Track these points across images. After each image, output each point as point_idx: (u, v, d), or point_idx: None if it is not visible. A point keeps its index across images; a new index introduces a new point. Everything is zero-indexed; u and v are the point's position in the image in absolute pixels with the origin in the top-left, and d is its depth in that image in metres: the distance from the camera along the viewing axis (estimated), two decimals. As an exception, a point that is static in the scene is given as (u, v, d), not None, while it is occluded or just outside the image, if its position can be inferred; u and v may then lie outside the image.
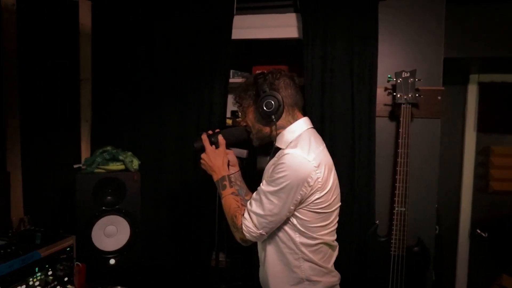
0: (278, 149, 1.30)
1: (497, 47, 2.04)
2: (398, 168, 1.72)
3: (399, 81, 1.73)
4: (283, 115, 1.30)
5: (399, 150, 1.72)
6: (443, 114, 1.86)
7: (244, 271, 2.17)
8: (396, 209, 1.72)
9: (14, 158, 1.83)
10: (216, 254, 1.88)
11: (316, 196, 1.21)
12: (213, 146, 1.41)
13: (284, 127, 1.31)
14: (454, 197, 2.55)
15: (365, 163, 1.82)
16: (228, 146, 1.45)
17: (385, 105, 1.87)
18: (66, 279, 1.57)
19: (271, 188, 1.20)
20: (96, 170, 1.74)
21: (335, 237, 1.35)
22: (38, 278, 1.44)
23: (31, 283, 1.41)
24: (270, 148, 1.35)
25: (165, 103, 2.05)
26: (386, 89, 1.85)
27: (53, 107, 2.00)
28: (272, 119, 1.27)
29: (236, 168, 1.54)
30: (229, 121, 2.37)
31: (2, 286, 1.28)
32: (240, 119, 1.94)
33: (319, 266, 1.28)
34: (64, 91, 2.04)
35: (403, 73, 1.73)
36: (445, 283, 2.42)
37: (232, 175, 1.48)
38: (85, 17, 2.06)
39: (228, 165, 1.46)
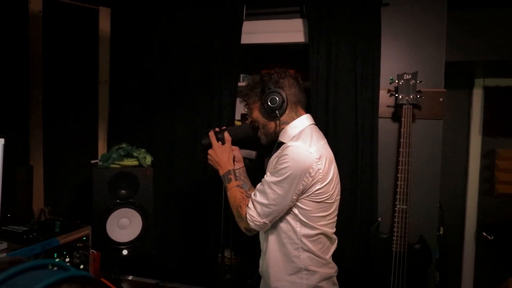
0: (281, 144, 1.38)
1: (501, 51, 2.08)
2: (399, 167, 1.77)
3: (401, 82, 1.80)
4: (287, 112, 1.38)
5: (401, 149, 1.77)
6: (445, 115, 1.90)
7: (250, 268, 2.23)
8: (398, 206, 1.77)
9: (37, 154, 1.97)
10: (222, 251, 1.95)
11: (317, 187, 1.27)
12: (220, 142, 1.50)
13: (287, 123, 1.39)
14: (460, 200, 2.56)
15: (368, 162, 1.88)
16: (234, 142, 1.53)
17: (388, 106, 1.93)
18: (82, 266, 1.67)
19: (274, 179, 1.27)
20: (112, 165, 1.85)
21: (334, 229, 1.41)
22: (57, 263, 1.54)
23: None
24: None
25: (177, 104, 2.16)
26: (388, 91, 1.91)
27: (73, 107, 2.13)
28: (276, 114, 1.35)
29: (241, 164, 1.62)
30: (238, 123, 2.46)
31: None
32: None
33: (317, 256, 1.34)
34: (83, 92, 2.17)
35: (405, 75, 1.80)
36: (450, 285, 2.43)
37: (237, 170, 1.55)
38: (104, 23, 2.20)
39: (234, 161, 1.54)
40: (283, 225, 1.34)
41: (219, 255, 2.01)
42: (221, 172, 1.48)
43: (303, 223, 1.31)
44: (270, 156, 1.43)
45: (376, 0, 1.88)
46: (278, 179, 1.26)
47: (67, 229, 1.64)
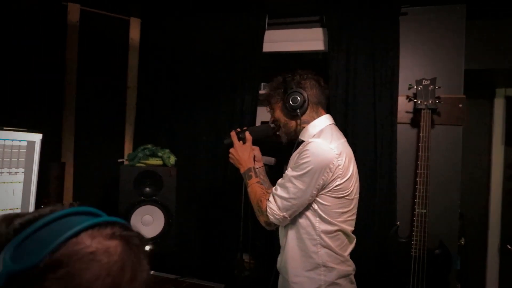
0: (302, 142, 1.43)
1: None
2: (418, 171, 1.78)
3: (419, 88, 1.83)
4: (308, 111, 1.43)
5: (420, 153, 1.79)
6: (466, 121, 1.91)
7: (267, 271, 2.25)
8: (417, 210, 1.77)
9: (68, 152, 2.08)
10: (241, 251, 1.99)
11: (337, 182, 1.31)
12: (241, 141, 1.56)
13: (308, 122, 1.44)
14: (482, 211, 2.52)
15: (386, 166, 1.89)
16: (255, 142, 1.60)
17: (407, 112, 1.96)
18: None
19: (295, 173, 1.32)
20: (138, 164, 1.94)
21: (352, 228, 1.43)
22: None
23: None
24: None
25: (200, 109, 2.25)
26: (407, 97, 1.94)
27: (103, 110, 2.25)
28: (297, 113, 1.41)
29: (261, 164, 1.67)
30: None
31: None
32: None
33: (336, 253, 1.36)
34: (113, 96, 2.30)
35: (424, 80, 1.83)
36: (473, 298, 2.36)
37: (257, 169, 1.60)
38: (134, 33, 2.34)
39: (254, 160, 1.60)
40: (302, 220, 1.38)
41: (238, 254, 2.05)
42: (242, 170, 1.54)
43: (322, 219, 1.34)
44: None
45: (394, 9, 1.93)
46: (299, 173, 1.30)
47: (95, 223, 1.72)
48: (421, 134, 1.80)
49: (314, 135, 1.39)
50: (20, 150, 1.57)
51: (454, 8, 1.90)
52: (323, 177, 1.29)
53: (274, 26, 2.20)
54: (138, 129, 2.31)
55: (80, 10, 2.18)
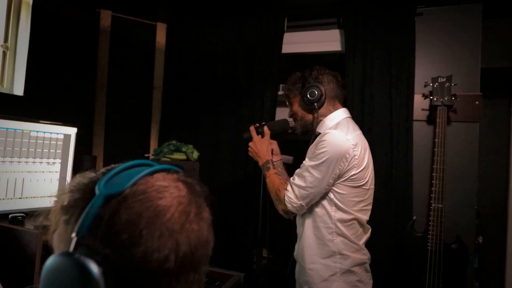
0: (319, 134, 1.50)
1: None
2: (434, 166, 1.81)
3: (435, 85, 1.87)
4: (325, 105, 1.50)
5: (436, 149, 1.82)
6: (482, 118, 1.93)
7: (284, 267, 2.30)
8: (433, 205, 1.80)
9: (99, 147, 2.23)
10: (259, 248, 2.05)
11: (353, 172, 1.36)
12: (259, 135, 1.64)
13: (325, 116, 1.50)
14: (501, 210, 2.49)
15: (402, 162, 1.93)
16: (273, 136, 1.67)
17: (423, 109, 2.00)
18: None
19: (312, 163, 1.38)
20: (163, 159, 2.05)
21: (367, 217, 1.46)
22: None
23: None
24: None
25: (221, 108, 2.35)
26: (423, 95, 1.98)
27: (131, 108, 2.40)
28: (315, 106, 1.48)
29: (279, 157, 1.73)
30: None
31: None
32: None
33: (351, 241, 1.40)
34: (140, 96, 2.44)
35: (439, 78, 1.87)
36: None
37: (275, 162, 1.67)
38: (160, 37, 2.49)
39: (272, 153, 1.67)
40: (318, 209, 1.43)
41: (256, 246, 2.10)
42: (260, 163, 1.61)
43: (338, 207, 1.39)
44: None
45: (410, 10, 1.99)
46: (316, 162, 1.36)
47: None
48: (437, 130, 1.83)
49: (331, 128, 1.44)
50: (58, 142, 1.70)
51: (470, 7, 1.94)
52: (339, 167, 1.34)
53: (293, 28, 2.29)
54: (163, 127, 2.43)
55: (111, 16, 2.34)
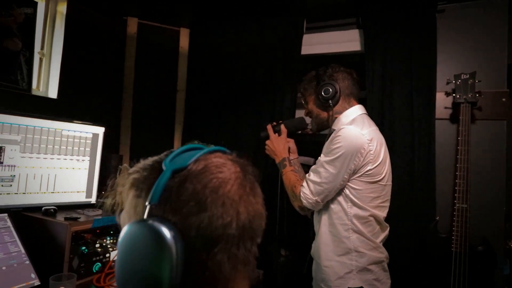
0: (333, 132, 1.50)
1: None
2: (458, 165, 1.76)
3: (458, 82, 1.82)
4: (340, 102, 1.51)
5: (459, 147, 1.77)
6: (509, 116, 1.85)
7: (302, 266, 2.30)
8: (457, 205, 1.74)
9: (125, 146, 2.34)
10: (278, 248, 2.06)
11: (368, 167, 1.36)
12: (276, 134, 1.67)
13: (340, 113, 1.51)
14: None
15: (425, 161, 1.88)
16: (290, 134, 1.69)
17: (446, 108, 1.95)
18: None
19: (327, 158, 1.39)
20: (185, 158, 2.12)
21: (385, 214, 1.45)
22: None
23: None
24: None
25: (242, 109, 2.40)
26: (446, 92, 1.93)
27: (156, 110, 2.50)
28: (329, 104, 1.49)
29: (296, 155, 1.75)
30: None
31: (113, 231, 1.64)
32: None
33: (367, 239, 1.38)
34: (164, 99, 2.54)
35: (462, 75, 1.82)
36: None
37: (291, 160, 1.69)
38: (184, 41, 2.58)
39: (289, 151, 1.69)
40: (334, 206, 1.43)
41: (274, 244, 2.11)
42: (277, 160, 1.63)
43: (354, 203, 1.38)
44: None
45: (431, 7, 1.95)
46: (331, 158, 1.37)
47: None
48: (460, 128, 1.78)
49: (346, 124, 1.45)
50: (87, 141, 1.81)
51: (495, 2, 1.88)
52: (354, 162, 1.35)
53: (312, 30, 2.31)
54: (186, 128, 2.51)
55: (137, 23, 2.47)
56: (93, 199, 1.84)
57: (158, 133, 2.49)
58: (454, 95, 1.83)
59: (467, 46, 1.94)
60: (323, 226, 1.47)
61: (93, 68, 2.25)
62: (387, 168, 1.43)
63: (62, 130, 1.70)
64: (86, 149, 1.81)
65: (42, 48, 2.06)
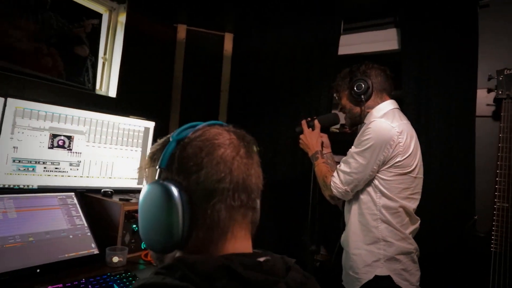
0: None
1: None
2: (499, 163, 1.71)
3: (500, 78, 1.77)
4: (372, 97, 1.56)
5: (500, 145, 1.72)
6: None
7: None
8: (498, 204, 1.69)
9: (173, 142, 2.55)
10: (309, 239, 2.11)
11: (398, 159, 1.39)
12: (310, 129, 1.75)
13: (372, 107, 1.56)
14: None
15: (464, 159, 1.85)
16: (323, 129, 1.76)
17: (488, 105, 1.90)
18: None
19: (357, 149, 1.44)
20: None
21: (415, 206, 1.46)
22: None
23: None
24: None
25: (281, 108, 2.50)
26: (488, 89, 1.88)
27: (201, 109, 2.71)
28: (362, 99, 1.55)
29: (329, 150, 1.81)
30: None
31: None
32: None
33: (396, 229, 1.41)
34: (209, 98, 2.74)
35: (506, 70, 1.77)
36: None
37: (324, 154, 1.76)
38: (228, 45, 2.76)
39: (322, 146, 1.76)
40: (363, 196, 1.47)
41: (304, 236, 2.16)
42: (310, 153, 1.71)
43: (383, 194, 1.42)
44: None
45: (472, 3, 1.92)
46: (361, 149, 1.42)
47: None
48: (502, 125, 1.73)
49: (377, 118, 1.49)
50: (139, 134, 2.03)
51: (541, -4, 1.81)
52: (384, 153, 1.39)
53: (349, 30, 2.36)
54: (228, 125, 2.68)
55: (186, 30, 2.69)
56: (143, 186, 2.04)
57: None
58: (496, 91, 1.79)
59: (509, 41, 1.88)
60: (352, 216, 1.52)
61: (147, 71, 2.50)
62: (417, 161, 1.45)
63: (119, 123, 1.93)
64: (139, 141, 2.03)
65: (105, 53, 2.35)
